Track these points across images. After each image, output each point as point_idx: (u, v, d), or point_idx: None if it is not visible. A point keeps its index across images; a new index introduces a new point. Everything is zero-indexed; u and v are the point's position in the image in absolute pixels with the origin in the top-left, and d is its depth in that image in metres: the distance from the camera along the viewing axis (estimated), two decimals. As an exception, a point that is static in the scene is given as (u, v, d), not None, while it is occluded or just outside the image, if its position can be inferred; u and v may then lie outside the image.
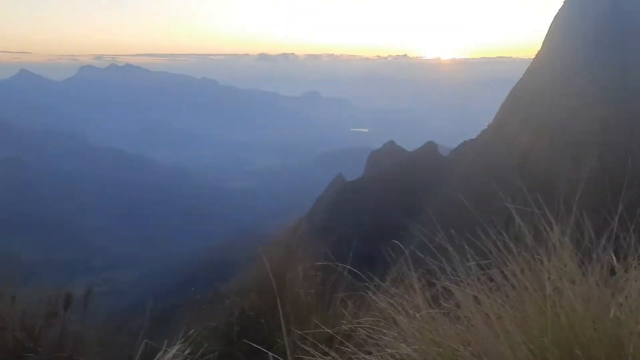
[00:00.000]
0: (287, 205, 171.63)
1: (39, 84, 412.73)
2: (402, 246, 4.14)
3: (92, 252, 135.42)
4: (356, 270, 4.28)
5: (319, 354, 2.58)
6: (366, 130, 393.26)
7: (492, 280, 2.59)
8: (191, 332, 3.33)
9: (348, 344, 2.85)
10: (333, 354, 2.61)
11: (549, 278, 2.32)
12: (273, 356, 2.69)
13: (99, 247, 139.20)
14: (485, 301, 2.41)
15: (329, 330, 3.42)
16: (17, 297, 5.07)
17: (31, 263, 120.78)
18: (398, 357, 2.44)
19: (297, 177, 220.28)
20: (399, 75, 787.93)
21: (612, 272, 2.44)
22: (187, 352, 2.98)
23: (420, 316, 2.61)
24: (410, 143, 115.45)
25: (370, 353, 2.64)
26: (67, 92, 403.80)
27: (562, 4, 66.03)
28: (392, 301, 3.01)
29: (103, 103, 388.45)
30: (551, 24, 67.47)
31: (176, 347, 2.82)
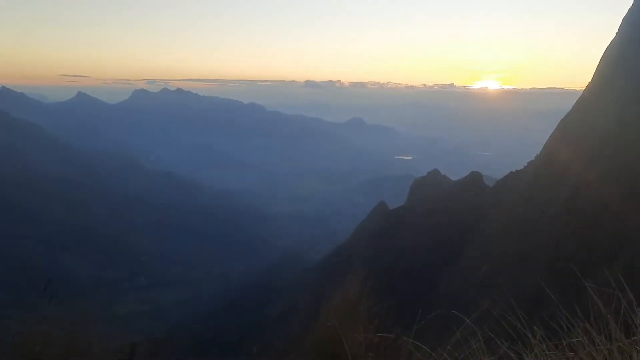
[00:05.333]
0: (330, 231, 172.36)
1: (95, 107, 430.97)
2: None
3: (137, 272, 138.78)
4: (419, 344, 4.31)
5: None
6: (410, 158, 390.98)
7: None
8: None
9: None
10: None
11: None
12: None
13: (144, 267, 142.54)
14: None
15: None
16: (92, 343, 5.61)
17: (81, 278, 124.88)
18: None
19: (340, 202, 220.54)
20: (445, 104, 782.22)
21: None
22: None
23: None
24: (455, 172, 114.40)
25: None
26: (120, 115, 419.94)
27: (613, 36, 64.94)
28: None
29: (154, 126, 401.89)
30: (603, 56, 66.25)
31: None
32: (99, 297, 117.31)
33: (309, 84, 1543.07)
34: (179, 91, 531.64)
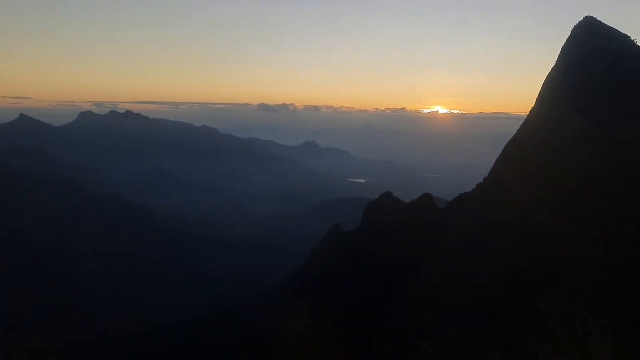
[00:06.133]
0: (285, 254, 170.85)
1: (38, 129, 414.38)
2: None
3: (85, 299, 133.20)
4: None
5: None
6: (363, 180, 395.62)
7: None
8: None
9: None
10: None
11: None
12: None
13: (92, 294, 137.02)
14: None
15: None
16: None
17: (23, 309, 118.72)
18: None
19: (295, 225, 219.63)
20: (397, 128, 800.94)
21: None
22: None
23: None
24: (407, 194, 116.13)
25: None
26: (65, 138, 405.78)
27: (554, 63, 68.41)
28: None
29: (102, 148, 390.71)
30: (544, 82, 69.55)
31: None
32: (44, 327, 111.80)
33: (263, 107, 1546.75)
34: (128, 113, 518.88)
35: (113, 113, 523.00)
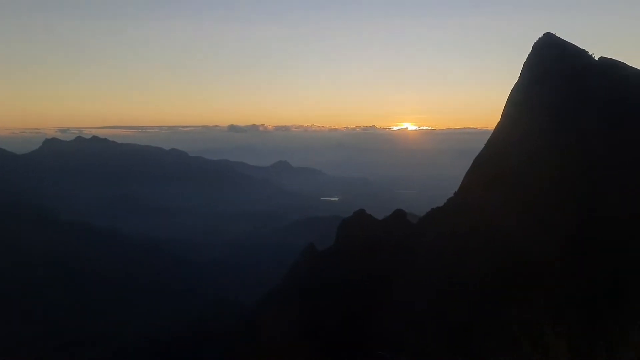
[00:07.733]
0: (260, 274, 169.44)
1: (1, 158, 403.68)
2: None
3: (57, 329, 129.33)
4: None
5: None
6: (336, 199, 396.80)
7: None
8: None
9: None
10: None
11: None
12: None
13: (65, 323, 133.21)
14: None
15: None
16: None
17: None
18: None
19: (270, 246, 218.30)
20: (368, 145, 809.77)
21: None
22: None
23: None
24: (379, 211, 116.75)
25: None
26: (30, 166, 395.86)
27: (517, 79, 70.39)
28: None
29: (68, 175, 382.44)
30: (508, 97, 71.43)
31: None
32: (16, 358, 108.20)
33: (233, 128, 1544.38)
34: (95, 139, 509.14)
35: (79, 139, 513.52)
